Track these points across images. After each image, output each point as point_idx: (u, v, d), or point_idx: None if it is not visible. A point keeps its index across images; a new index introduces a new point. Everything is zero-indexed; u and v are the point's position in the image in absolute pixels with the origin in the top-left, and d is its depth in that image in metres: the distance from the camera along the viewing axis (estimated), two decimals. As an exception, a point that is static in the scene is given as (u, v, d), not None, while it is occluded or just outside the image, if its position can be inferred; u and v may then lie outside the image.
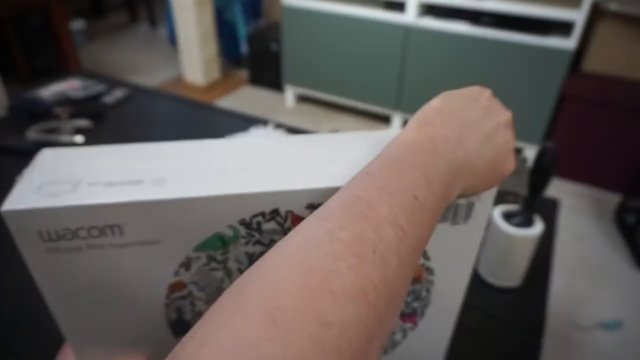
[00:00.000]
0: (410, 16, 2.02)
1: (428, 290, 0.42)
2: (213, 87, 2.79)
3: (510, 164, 0.31)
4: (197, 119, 1.05)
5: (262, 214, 0.32)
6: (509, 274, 0.61)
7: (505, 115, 0.31)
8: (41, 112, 0.99)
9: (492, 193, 0.36)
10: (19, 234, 0.30)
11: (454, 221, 0.37)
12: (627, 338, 1.34)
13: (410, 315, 0.44)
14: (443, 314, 0.44)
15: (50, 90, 1.08)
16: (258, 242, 0.34)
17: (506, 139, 0.31)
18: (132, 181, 0.32)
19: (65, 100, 1.06)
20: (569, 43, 1.77)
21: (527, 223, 0.57)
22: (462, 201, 0.35)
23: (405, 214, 0.21)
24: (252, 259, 0.35)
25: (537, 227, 0.57)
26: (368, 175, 0.23)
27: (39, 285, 0.33)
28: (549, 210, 0.77)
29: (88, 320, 0.36)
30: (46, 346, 0.51)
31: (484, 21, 1.92)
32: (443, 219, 0.36)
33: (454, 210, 0.36)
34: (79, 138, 0.91)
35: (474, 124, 0.30)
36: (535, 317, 0.57)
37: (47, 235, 0.30)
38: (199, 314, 0.38)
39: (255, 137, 0.91)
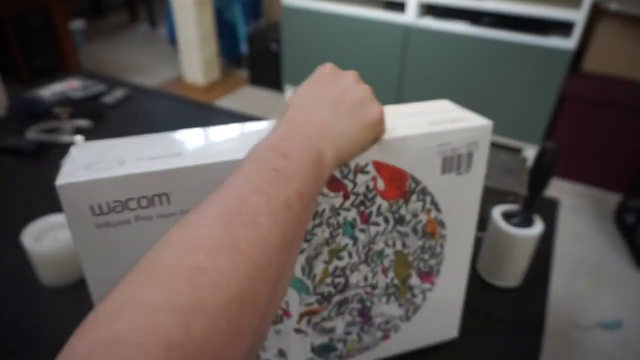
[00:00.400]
0: (410, 16, 2.02)
1: (442, 246, 0.45)
2: (213, 87, 2.79)
3: (372, 110, 0.35)
4: (197, 119, 1.05)
5: None
6: (509, 274, 0.61)
7: (349, 76, 0.36)
8: (41, 112, 0.99)
9: (486, 142, 0.41)
10: (71, 209, 0.31)
11: (459, 171, 0.41)
12: (626, 338, 1.34)
13: (427, 274, 0.46)
14: (456, 269, 0.47)
15: (50, 90, 1.08)
16: None
17: (356, 92, 0.35)
18: (173, 154, 0.34)
19: (65, 100, 1.06)
20: (569, 43, 1.77)
21: (527, 223, 0.57)
22: (463, 150, 0.40)
23: (267, 182, 0.26)
24: None
25: (537, 227, 0.57)
26: (235, 169, 0.27)
27: (83, 265, 0.34)
28: (549, 210, 0.77)
29: None
30: (46, 346, 0.51)
31: (484, 21, 1.92)
32: (449, 170, 0.41)
33: (457, 161, 0.41)
34: (79, 138, 0.91)
35: (321, 98, 0.34)
36: (535, 317, 0.57)
37: (99, 209, 0.32)
38: None
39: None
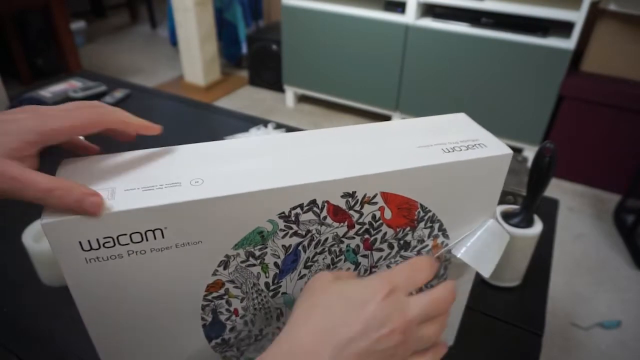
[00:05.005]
0: (410, 16, 2.03)
1: (445, 268, 0.43)
2: (213, 88, 2.80)
3: None
4: (198, 119, 1.05)
5: (301, 206, 0.34)
6: (509, 274, 0.61)
7: (394, 324, 0.29)
8: (42, 113, 0.99)
9: (503, 172, 0.38)
10: (58, 246, 0.29)
11: (471, 200, 0.39)
12: (626, 338, 1.34)
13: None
14: (459, 288, 0.45)
15: (50, 91, 1.08)
16: (295, 233, 0.35)
17: (388, 352, 0.29)
18: (169, 184, 0.31)
19: (66, 101, 1.06)
20: (568, 43, 1.77)
21: (527, 223, 0.57)
22: (478, 180, 0.38)
23: None
24: (287, 251, 0.36)
25: (537, 227, 0.57)
26: None
27: (74, 298, 0.32)
28: (549, 210, 0.77)
29: (122, 332, 0.36)
30: (47, 346, 0.51)
31: (484, 22, 1.92)
32: (461, 198, 0.39)
33: (470, 191, 0.38)
34: (79, 138, 0.91)
35: (349, 342, 0.28)
36: (535, 316, 0.58)
37: (88, 245, 0.30)
38: (234, 313, 0.38)
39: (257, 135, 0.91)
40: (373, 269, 0.41)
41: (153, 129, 0.35)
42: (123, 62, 3.21)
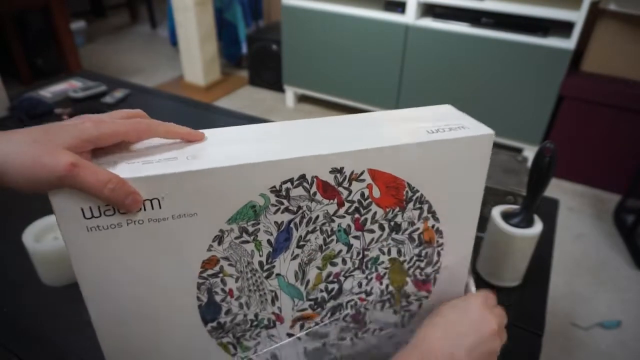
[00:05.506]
0: (410, 16, 2.03)
1: (439, 254, 0.44)
2: (213, 88, 2.80)
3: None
4: (198, 119, 1.05)
5: (291, 180, 0.35)
6: (509, 274, 0.61)
7: (490, 326, 0.40)
8: (42, 113, 0.99)
9: (487, 152, 0.40)
10: (62, 213, 0.31)
11: (458, 181, 0.41)
12: (626, 338, 1.34)
13: (424, 282, 0.45)
14: (454, 278, 0.46)
15: (50, 91, 1.08)
16: (287, 209, 0.37)
17: (488, 348, 0.40)
18: (167, 158, 0.34)
19: (66, 101, 1.06)
20: (568, 43, 1.77)
21: (527, 223, 0.57)
22: (462, 160, 0.40)
23: None
24: (280, 228, 0.37)
25: (537, 227, 0.57)
26: None
27: (74, 267, 0.34)
28: (549, 210, 0.77)
29: (121, 311, 0.37)
30: (47, 346, 0.52)
31: (484, 22, 1.92)
32: (447, 179, 0.40)
33: (455, 171, 0.40)
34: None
35: (461, 337, 0.39)
36: (535, 316, 0.58)
37: (90, 212, 0.32)
38: (229, 294, 0.39)
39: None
40: (365, 252, 0.41)
41: (198, 136, 0.37)
42: (123, 62, 3.21)
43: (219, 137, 0.37)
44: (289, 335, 0.43)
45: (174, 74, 3.01)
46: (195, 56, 2.67)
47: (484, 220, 0.64)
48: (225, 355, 0.42)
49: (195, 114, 1.07)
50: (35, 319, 0.55)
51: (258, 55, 2.72)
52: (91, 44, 3.51)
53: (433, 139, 0.38)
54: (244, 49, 2.94)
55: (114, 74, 2.84)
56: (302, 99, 2.72)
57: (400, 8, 2.07)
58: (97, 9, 4.15)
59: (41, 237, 0.59)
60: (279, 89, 2.72)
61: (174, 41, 3.12)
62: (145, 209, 0.33)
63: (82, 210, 0.31)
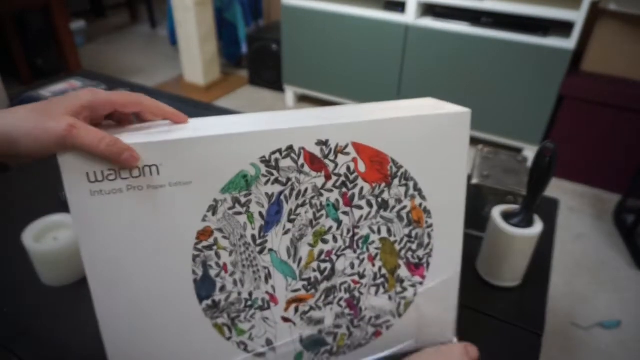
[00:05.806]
0: (410, 16, 2.03)
1: (430, 236, 0.45)
2: (213, 87, 2.80)
3: None
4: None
5: (279, 151, 0.38)
6: (509, 274, 0.61)
7: None
8: (42, 113, 0.99)
9: (466, 130, 0.43)
10: (70, 178, 0.35)
11: (440, 158, 0.43)
12: (626, 338, 1.34)
13: (417, 267, 0.46)
14: (447, 264, 0.47)
15: (50, 91, 1.08)
16: (277, 180, 0.39)
17: None
18: (165, 131, 0.38)
19: (66, 101, 1.06)
20: (568, 43, 1.77)
21: (527, 223, 0.57)
22: (443, 137, 0.42)
23: None
24: (271, 200, 0.39)
25: (537, 227, 0.57)
26: None
27: (77, 233, 0.36)
28: (549, 210, 0.77)
29: (118, 276, 0.38)
30: (47, 346, 0.52)
31: (484, 22, 1.92)
32: (429, 155, 0.43)
33: (436, 147, 0.42)
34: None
35: None
36: (535, 316, 0.58)
37: (94, 176, 0.35)
38: (223, 268, 0.40)
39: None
40: (355, 229, 0.43)
41: (181, 117, 0.41)
42: (123, 62, 3.21)
43: (215, 120, 0.42)
44: (284, 319, 0.43)
45: (174, 74, 3.01)
46: (195, 56, 2.67)
47: (484, 220, 0.64)
48: (221, 338, 0.42)
49: (195, 113, 1.07)
50: (35, 319, 0.54)
51: (258, 55, 2.71)
52: (91, 43, 3.51)
53: (412, 114, 0.41)
54: (244, 49, 2.94)
55: (114, 74, 2.84)
56: (302, 98, 2.72)
57: (400, 8, 2.07)
58: (97, 8, 4.15)
59: (41, 237, 0.59)
60: (279, 88, 2.72)
61: (173, 41, 3.12)
62: (144, 174, 0.36)
63: (87, 174, 0.35)
